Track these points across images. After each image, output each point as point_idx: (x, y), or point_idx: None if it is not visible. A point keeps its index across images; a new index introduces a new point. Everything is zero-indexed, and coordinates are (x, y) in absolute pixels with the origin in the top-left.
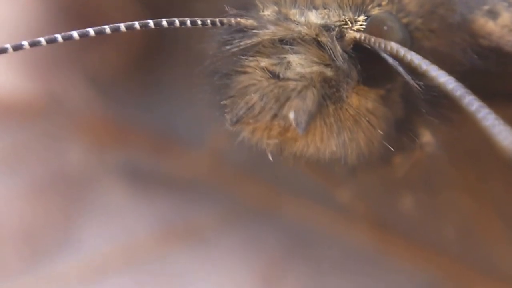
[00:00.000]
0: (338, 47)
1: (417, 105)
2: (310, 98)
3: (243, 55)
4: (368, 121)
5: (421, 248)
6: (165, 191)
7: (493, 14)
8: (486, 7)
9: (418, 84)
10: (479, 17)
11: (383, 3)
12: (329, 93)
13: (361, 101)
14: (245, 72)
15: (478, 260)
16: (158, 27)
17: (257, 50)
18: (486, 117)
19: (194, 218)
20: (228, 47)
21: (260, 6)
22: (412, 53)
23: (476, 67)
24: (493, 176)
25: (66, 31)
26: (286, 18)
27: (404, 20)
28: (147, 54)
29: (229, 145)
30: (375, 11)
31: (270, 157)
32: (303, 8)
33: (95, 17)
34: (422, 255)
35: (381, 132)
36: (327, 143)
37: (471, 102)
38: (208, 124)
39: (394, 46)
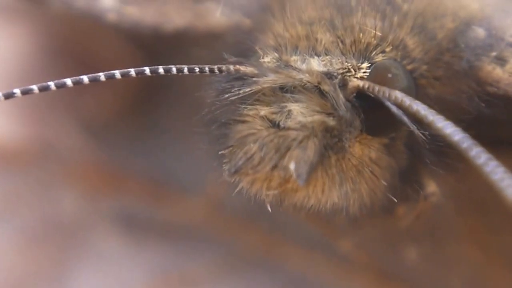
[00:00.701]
0: (341, 96)
1: (422, 154)
2: (311, 148)
3: (242, 104)
4: (371, 172)
5: None
6: (160, 240)
7: (501, 60)
8: (493, 54)
9: (423, 134)
10: (486, 64)
11: (387, 49)
12: (331, 143)
13: (364, 151)
14: (244, 121)
15: None
16: (154, 74)
17: (257, 98)
18: (494, 171)
19: (190, 268)
20: (226, 95)
21: (260, 53)
22: (418, 103)
23: (483, 115)
24: (503, 228)
25: (62, 74)
26: (287, 65)
27: (409, 67)
28: (143, 98)
29: (227, 193)
30: (379, 58)
31: (269, 208)
32: (304, 55)
33: (92, 61)
34: None
35: (385, 183)
36: (329, 194)
37: (478, 154)
38: (205, 171)
39: (399, 95)
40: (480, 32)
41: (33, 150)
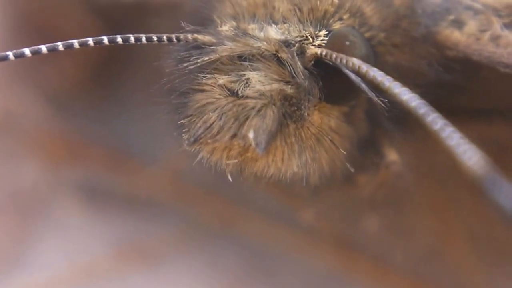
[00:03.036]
0: (299, 64)
1: (382, 122)
2: (270, 117)
3: (200, 73)
4: (330, 140)
5: (387, 270)
6: (122, 210)
7: (458, 23)
8: (451, 17)
9: (382, 101)
10: (444, 28)
11: (345, 17)
12: (289, 111)
13: (323, 119)
14: (202, 90)
15: (446, 283)
16: (112, 44)
17: (215, 67)
18: (451, 136)
19: (152, 237)
20: (185, 64)
21: (218, 21)
22: (375, 69)
23: (442, 81)
24: (462, 198)
25: (22, 44)
26: (245, 33)
27: (367, 35)
28: (104, 68)
29: (187, 163)
30: (336, 26)
31: (230, 178)
32: (262, 23)
33: (51, 31)
34: (389, 278)
35: (344, 152)
36: (288, 163)
37: (435, 120)
38: (166, 141)
39: (356, 62)
40: None
41: None
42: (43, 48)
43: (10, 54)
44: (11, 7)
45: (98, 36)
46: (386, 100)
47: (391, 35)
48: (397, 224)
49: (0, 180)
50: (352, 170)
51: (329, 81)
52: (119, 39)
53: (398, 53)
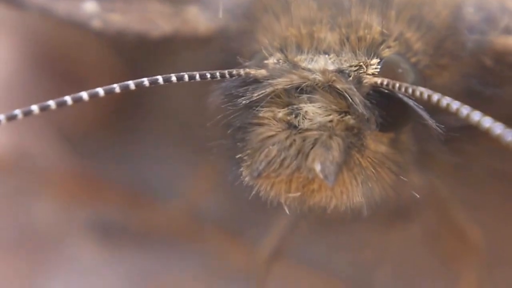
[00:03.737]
0: (358, 94)
1: (425, 146)
2: (336, 148)
3: (256, 107)
4: (388, 168)
5: None
6: (137, 249)
7: (510, 30)
8: (501, 25)
9: (438, 126)
10: (497, 37)
11: (392, 44)
12: (353, 141)
13: (377, 147)
14: (261, 124)
15: None
16: (153, 85)
17: (270, 100)
18: None
19: (165, 277)
20: (240, 99)
21: (265, 54)
22: (447, 98)
23: (495, 97)
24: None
25: (44, 82)
26: (296, 65)
27: (413, 60)
28: (122, 107)
29: (206, 201)
30: (386, 53)
31: (287, 211)
32: (310, 54)
33: (74, 68)
34: None
35: (405, 179)
36: (353, 193)
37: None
38: (183, 179)
39: (424, 91)
40: (472, 11)
41: (9, 158)
42: (68, 99)
43: (35, 108)
44: (32, 47)
45: (121, 74)
46: (443, 126)
47: (436, 58)
48: None
49: (13, 218)
50: (417, 196)
51: (382, 109)
52: (160, 79)
53: (446, 74)
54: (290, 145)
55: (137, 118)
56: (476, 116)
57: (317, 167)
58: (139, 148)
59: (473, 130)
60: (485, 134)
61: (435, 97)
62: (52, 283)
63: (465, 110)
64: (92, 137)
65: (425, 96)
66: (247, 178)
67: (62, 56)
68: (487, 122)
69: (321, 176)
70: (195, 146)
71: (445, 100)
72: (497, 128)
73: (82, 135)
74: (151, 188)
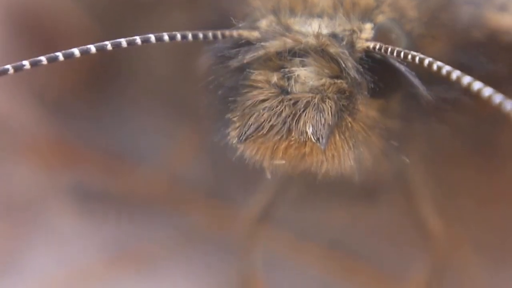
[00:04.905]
0: (351, 58)
1: (415, 116)
2: (328, 110)
3: (248, 69)
4: (379, 133)
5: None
6: (116, 214)
7: (506, 7)
8: (497, 2)
9: (429, 94)
10: (493, 14)
11: (386, 10)
12: (345, 104)
13: (368, 112)
14: (253, 87)
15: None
16: (146, 43)
17: (263, 63)
18: None
19: (146, 242)
20: (232, 61)
21: (258, 16)
22: (439, 63)
23: (485, 72)
24: (463, 193)
25: (21, 53)
26: (289, 28)
27: (407, 27)
28: (99, 73)
29: (187, 166)
30: (380, 19)
31: (269, 176)
32: (303, 17)
33: (51, 36)
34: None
35: (395, 143)
36: (344, 157)
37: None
38: (163, 144)
39: (416, 55)
40: None
41: None
42: (43, 59)
43: (9, 67)
44: (6, 16)
45: (100, 40)
46: (433, 93)
47: (430, 28)
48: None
49: None
50: (407, 161)
51: (374, 75)
52: (152, 38)
53: (439, 45)
54: (281, 111)
55: (116, 83)
56: (467, 79)
57: (309, 130)
58: (118, 114)
59: (462, 99)
60: (474, 103)
61: (427, 61)
62: (30, 250)
63: (455, 74)
64: (69, 103)
65: (417, 60)
66: (233, 141)
67: (38, 25)
68: (487, 91)
69: (313, 138)
70: (176, 111)
71: (437, 64)
72: (497, 97)
73: (60, 101)
74: (130, 153)
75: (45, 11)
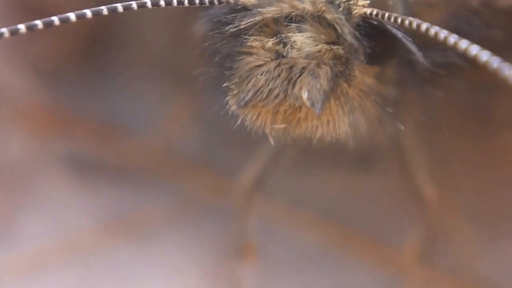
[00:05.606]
0: (347, 24)
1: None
2: (324, 76)
3: (244, 35)
4: (374, 99)
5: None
6: (110, 182)
7: None
8: None
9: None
10: None
11: None
12: (341, 70)
13: (364, 79)
14: (249, 53)
15: (444, 259)
16: (141, 8)
17: (259, 29)
18: None
19: (141, 210)
20: (228, 27)
21: None
22: (437, 27)
23: (483, 39)
24: (457, 161)
25: (12, 18)
26: None
27: None
28: (93, 42)
29: (181, 135)
30: None
31: (272, 142)
32: None
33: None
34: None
35: (390, 110)
36: (340, 123)
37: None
38: (158, 113)
39: (413, 20)
40: None
41: None
42: (39, 23)
43: (5, 30)
44: None
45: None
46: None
47: None
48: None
49: None
50: (402, 127)
51: (371, 41)
52: (148, 3)
53: (435, 13)
54: (278, 75)
55: (111, 51)
56: (464, 44)
57: (304, 95)
58: (112, 82)
59: (458, 64)
60: (470, 68)
61: (424, 26)
62: (24, 217)
63: (453, 38)
64: (64, 71)
65: (414, 25)
66: (233, 107)
67: None
68: (484, 55)
69: (308, 103)
70: (171, 79)
71: (434, 29)
72: (494, 61)
73: (53, 70)
74: (125, 122)
75: None
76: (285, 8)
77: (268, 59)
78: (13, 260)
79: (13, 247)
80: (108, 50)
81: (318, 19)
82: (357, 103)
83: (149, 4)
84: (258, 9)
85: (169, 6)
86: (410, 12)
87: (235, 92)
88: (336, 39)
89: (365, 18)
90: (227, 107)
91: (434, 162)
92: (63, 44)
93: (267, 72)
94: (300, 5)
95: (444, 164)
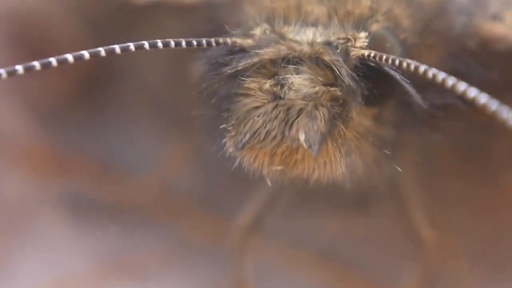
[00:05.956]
0: (345, 66)
1: (409, 124)
2: (321, 117)
3: (241, 77)
4: (371, 141)
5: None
6: (107, 223)
7: (498, 17)
8: (490, 12)
9: (424, 103)
10: (485, 23)
11: (380, 18)
12: (338, 112)
13: (361, 120)
14: (246, 95)
15: None
16: (139, 50)
17: (257, 70)
18: None
19: (137, 252)
20: (225, 68)
21: (252, 24)
22: (434, 69)
23: (480, 80)
24: (455, 203)
25: (11, 59)
26: (283, 36)
27: (401, 37)
28: (92, 82)
29: (178, 175)
30: (374, 28)
31: (269, 183)
32: (298, 25)
33: (44, 46)
34: None
35: (388, 152)
36: (336, 165)
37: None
38: (154, 153)
39: (411, 62)
40: None
41: None
42: (37, 64)
43: (2, 71)
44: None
45: (93, 48)
46: (427, 102)
47: (424, 36)
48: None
49: None
50: (399, 169)
51: (369, 83)
52: (146, 45)
53: (433, 54)
54: (276, 116)
55: (108, 91)
56: (463, 86)
57: (301, 136)
58: (109, 122)
59: (456, 107)
60: (468, 111)
61: (422, 68)
62: (21, 259)
63: (451, 80)
64: (61, 111)
65: (412, 67)
66: (230, 149)
67: (31, 35)
68: (483, 98)
69: (305, 145)
70: (168, 120)
71: (432, 71)
72: (493, 104)
73: (50, 110)
74: (121, 162)
75: (37, 20)
76: (283, 50)
77: (266, 101)
78: None
79: (8, 287)
80: (106, 89)
81: (316, 61)
82: (354, 145)
83: (146, 46)
84: (256, 51)
85: (167, 48)
86: (408, 53)
87: (233, 134)
88: (333, 80)
89: (362, 60)
90: (224, 148)
91: (432, 204)
92: (61, 84)
93: (264, 113)
94: (297, 47)
95: (442, 206)
